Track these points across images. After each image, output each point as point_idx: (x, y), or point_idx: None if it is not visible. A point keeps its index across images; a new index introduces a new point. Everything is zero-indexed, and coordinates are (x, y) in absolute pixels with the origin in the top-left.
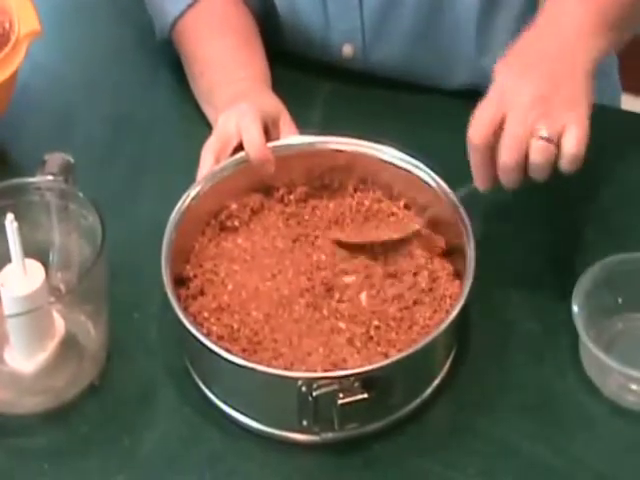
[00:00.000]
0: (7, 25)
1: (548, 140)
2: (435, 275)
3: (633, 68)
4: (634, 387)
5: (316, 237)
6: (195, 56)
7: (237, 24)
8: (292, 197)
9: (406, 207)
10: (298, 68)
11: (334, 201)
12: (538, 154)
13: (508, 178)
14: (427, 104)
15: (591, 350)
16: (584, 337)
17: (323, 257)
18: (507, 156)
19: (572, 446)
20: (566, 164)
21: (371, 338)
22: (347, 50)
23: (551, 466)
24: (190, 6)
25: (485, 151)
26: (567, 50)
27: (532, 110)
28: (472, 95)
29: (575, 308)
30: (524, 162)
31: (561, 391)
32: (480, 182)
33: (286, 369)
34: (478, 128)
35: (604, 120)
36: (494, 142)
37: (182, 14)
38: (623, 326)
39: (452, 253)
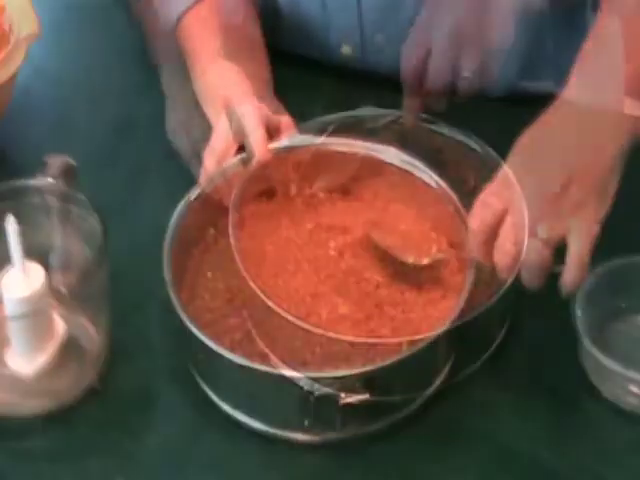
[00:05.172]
0: (7, 27)
1: (546, 242)
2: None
3: None
4: (635, 389)
5: (321, 238)
6: (197, 54)
7: (241, 24)
8: (295, 199)
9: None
10: (299, 69)
11: (336, 203)
12: (531, 254)
13: (530, 277)
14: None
15: (592, 352)
16: (585, 339)
17: (328, 258)
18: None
19: (572, 448)
20: (565, 284)
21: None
22: (346, 49)
23: (551, 468)
24: (196, 2)
25: (486, 237)
26: (590, 134)
27: (535, 213)
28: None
29: (578, 311)
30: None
31: (562, 393)
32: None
33: (288, 369)
34: (478, 220)
35: None
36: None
37: (187, 10)
38: (624, 328)
39: None
